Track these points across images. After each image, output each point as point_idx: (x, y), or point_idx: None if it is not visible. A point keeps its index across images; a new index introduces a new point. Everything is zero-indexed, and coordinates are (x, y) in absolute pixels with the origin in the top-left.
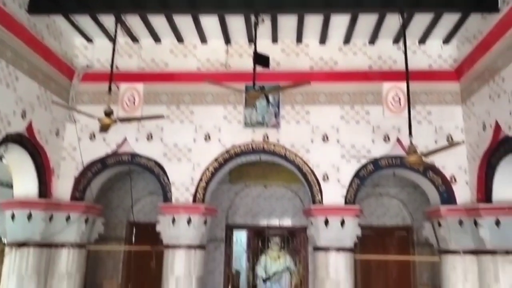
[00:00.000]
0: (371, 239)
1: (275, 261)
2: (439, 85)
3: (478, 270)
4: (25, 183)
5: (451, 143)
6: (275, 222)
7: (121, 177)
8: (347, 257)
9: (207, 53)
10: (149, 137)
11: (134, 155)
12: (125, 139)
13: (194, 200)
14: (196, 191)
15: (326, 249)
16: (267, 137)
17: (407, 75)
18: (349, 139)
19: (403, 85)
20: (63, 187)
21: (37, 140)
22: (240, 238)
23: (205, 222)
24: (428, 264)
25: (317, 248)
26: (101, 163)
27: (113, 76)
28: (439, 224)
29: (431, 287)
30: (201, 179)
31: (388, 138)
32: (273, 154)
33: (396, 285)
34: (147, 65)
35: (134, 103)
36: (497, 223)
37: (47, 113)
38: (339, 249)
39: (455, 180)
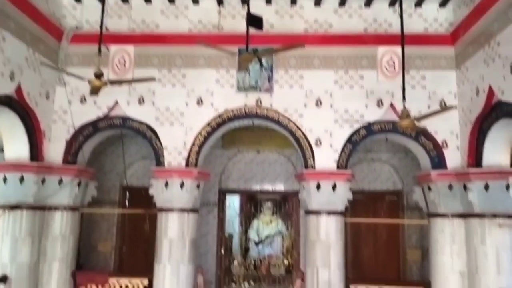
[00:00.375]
0: (362, 203)
1: (267, 225)
2: (434, 50)
3: (466, 233)
4: (16, 146)
5: (444, 108)
6: (267, 187)
7: (113, 141)
8: (337, 220)
9: (199, 14)
10: (141, 100)
11: (125, 119)
12: (116, 103)
13: (187, 165)
14: (189, 155)
15: (317, 212)
16: (260, 102)
17: (402, 39)
18: (342, 104)
19: (398, 49)
20: (54, 151)
21: (26, 103)
22: (233, 202)
23: (198, 186)
24: (416, 227)
25: (308, 212)
26: (93, 127)
27: (102, 37)
28: (429, 189)
29: (419, 249)
30: (193, 144)
31: (382, 103)
32: (266, 118)
33: (385, 247)
34: (137, 26)
35: (124, 65)
36: (486, 187)
37: (36, 75)
38: (330, 213)
39: (446, 145)
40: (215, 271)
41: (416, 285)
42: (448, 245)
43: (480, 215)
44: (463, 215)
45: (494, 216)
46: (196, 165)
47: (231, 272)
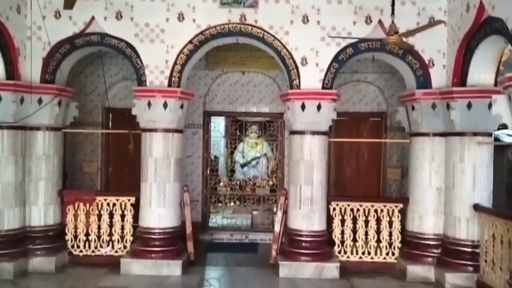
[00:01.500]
0: (346, 124)
1: (252, 148)
2: None
3: (445, 150)
4: None
5: (432, 23)
6: (253, 109)
7: (93, 61)
8: (321, 140)
9: None
10: (119, 16)
11: (103, 35)
12: (92, 18)
13: (170, 84)
14: (171, 74)
15: (302, 132)
16: (245, 18)
17: None
18: (330, 20)
19: None
20: (31, 69)
21: None
22: (218, 124)
23: (182, 106)
24: (398, 148)
25: (293, 132)
26: (69, 44)
27: None
28: (413, 108)
29: (399, 168)
30: (176, 62)
31: (370, 20)
32: (251, 36)
33: (367, 167)
34: None
35: None
36: (469, 105)
37: None
38: (314, 133)
39: (433, 64)
40: (201, 190)
41: (395, 201)
42: (427, 162)
43: (461, 134)
44: (444, 134)
45: (474, 134)
46: (179, 85)
47: (217, 192)
